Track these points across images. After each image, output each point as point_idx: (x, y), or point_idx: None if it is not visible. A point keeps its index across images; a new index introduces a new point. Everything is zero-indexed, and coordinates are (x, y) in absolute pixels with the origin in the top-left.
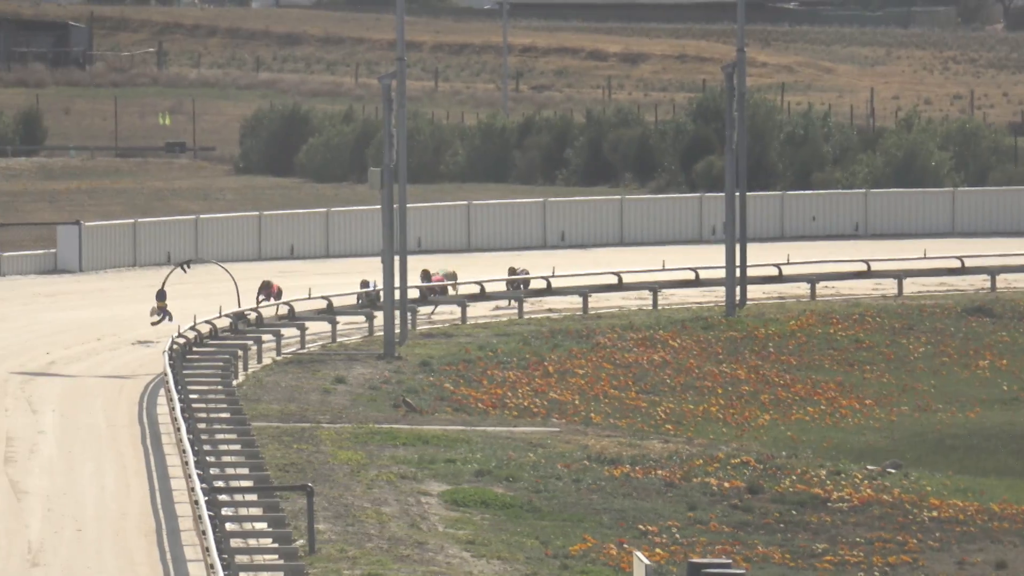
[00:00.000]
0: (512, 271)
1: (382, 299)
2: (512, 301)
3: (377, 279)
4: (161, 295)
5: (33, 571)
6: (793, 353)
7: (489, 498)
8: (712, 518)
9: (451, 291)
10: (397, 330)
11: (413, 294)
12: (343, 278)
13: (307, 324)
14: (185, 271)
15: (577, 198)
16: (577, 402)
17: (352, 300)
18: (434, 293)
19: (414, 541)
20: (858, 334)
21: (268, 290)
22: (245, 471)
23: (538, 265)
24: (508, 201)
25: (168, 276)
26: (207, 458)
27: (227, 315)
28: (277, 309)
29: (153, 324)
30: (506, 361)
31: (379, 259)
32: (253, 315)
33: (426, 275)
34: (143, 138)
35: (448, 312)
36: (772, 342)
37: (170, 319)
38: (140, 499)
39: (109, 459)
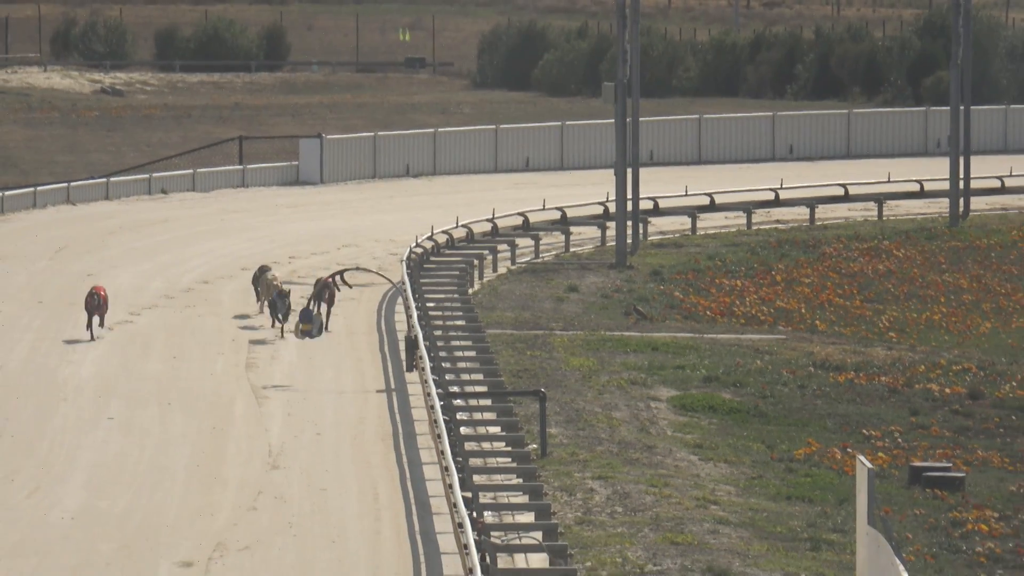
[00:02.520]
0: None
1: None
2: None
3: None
4: (307, 315)
5: (273, 474)
6: (1015, 263)
7: (716, 403)
8: (933, 423)
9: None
10: (629, 240)
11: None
12: (577, 189)
13: (541, 234)
14: (347, 283)
15: (805, 112)
16: (803, 310)
17: (586, 212)
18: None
19: (643, 445)
20: None
21: (96, 303)
22: (479, 377)
23: (766, 177)
24: (738, 115)
25: (314, 292)
26: (443, 364)
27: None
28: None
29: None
30: (734, 270)
31: (612, 171)
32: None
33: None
34: (383, 54)
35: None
36: (994, 252)
37: (315, 335)
38: (377, 404)
39: (348, 365)
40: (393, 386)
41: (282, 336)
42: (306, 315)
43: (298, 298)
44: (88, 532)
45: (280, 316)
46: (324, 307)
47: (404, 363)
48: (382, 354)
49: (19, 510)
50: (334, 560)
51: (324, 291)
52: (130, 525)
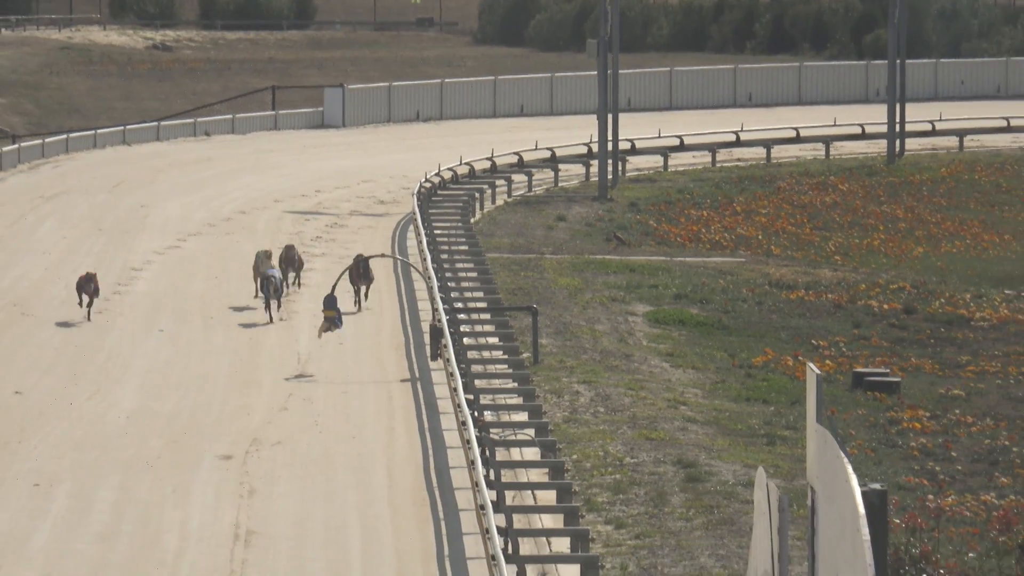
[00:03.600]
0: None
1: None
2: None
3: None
4: (330, 301)
5: (301, 379)
6: (943, 195)
7: (685, 317)
8: (873, 335)
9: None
10: (610, 176)
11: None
12: (565, 132)
13: (533, 171)
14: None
15: (762, 65)
16: (760, 237)
17: (572, 151)
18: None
19: (622, 353)
20: (999, 180)
21: (88, 283)
22: (480, 294)
23: (729, 121)
24: (704, 68)
25: (340, 278)
26: (448, 283)
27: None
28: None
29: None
30: (701, 202)
31: (595, 116)
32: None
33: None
34: (397, 14)
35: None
36: (926, 186)
37: (339, 325)
38: (392, 319)
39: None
40: (405, 302)
41: (271, 320)
42: (330, 301)
43: (322, 227)
44: (141, 429)
45: (271, 298)
46: (362, 287)
47: (428, 350)
48: (395, 275)
49: (82, 410)
50: (353, 453)
51: (358, 268)
52: (177, 423)
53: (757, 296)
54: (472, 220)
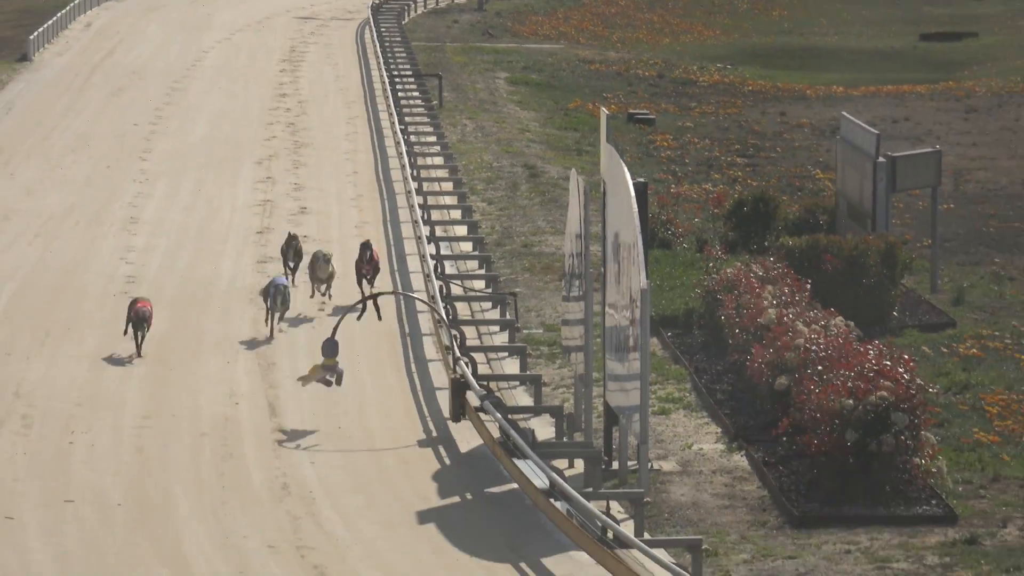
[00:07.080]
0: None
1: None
2: None
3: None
4: (330, 348)
5: (302, 115)
6: (681, 7)
7: (529, 80)
8: (639, 90)
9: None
10: None
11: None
12: None
13: None
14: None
15: None
16: (573, 32)
17: None
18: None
19: (492, 102)
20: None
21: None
22: (407, 66)
23: None
24: None
25: (340, 322)
26: (388, 58)
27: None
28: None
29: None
30: (539, 12)
31: None
32: None
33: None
34: None
35: None
36: (671, 2)
37: (338, 382)
38: (356, 81)
39: (340, 60)
40: (363, 69)
41: (271, 335)
42: (330, 347)
43: (315, 26)
44: (209, 146)
45: (275, 310)
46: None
47: (450, 413)
48: (357, 56)
49: (172, 135)
50: (335, 190)
51: (363, 267)
52: (230, 143)
53: (571, 67)
54: (403, 23)
